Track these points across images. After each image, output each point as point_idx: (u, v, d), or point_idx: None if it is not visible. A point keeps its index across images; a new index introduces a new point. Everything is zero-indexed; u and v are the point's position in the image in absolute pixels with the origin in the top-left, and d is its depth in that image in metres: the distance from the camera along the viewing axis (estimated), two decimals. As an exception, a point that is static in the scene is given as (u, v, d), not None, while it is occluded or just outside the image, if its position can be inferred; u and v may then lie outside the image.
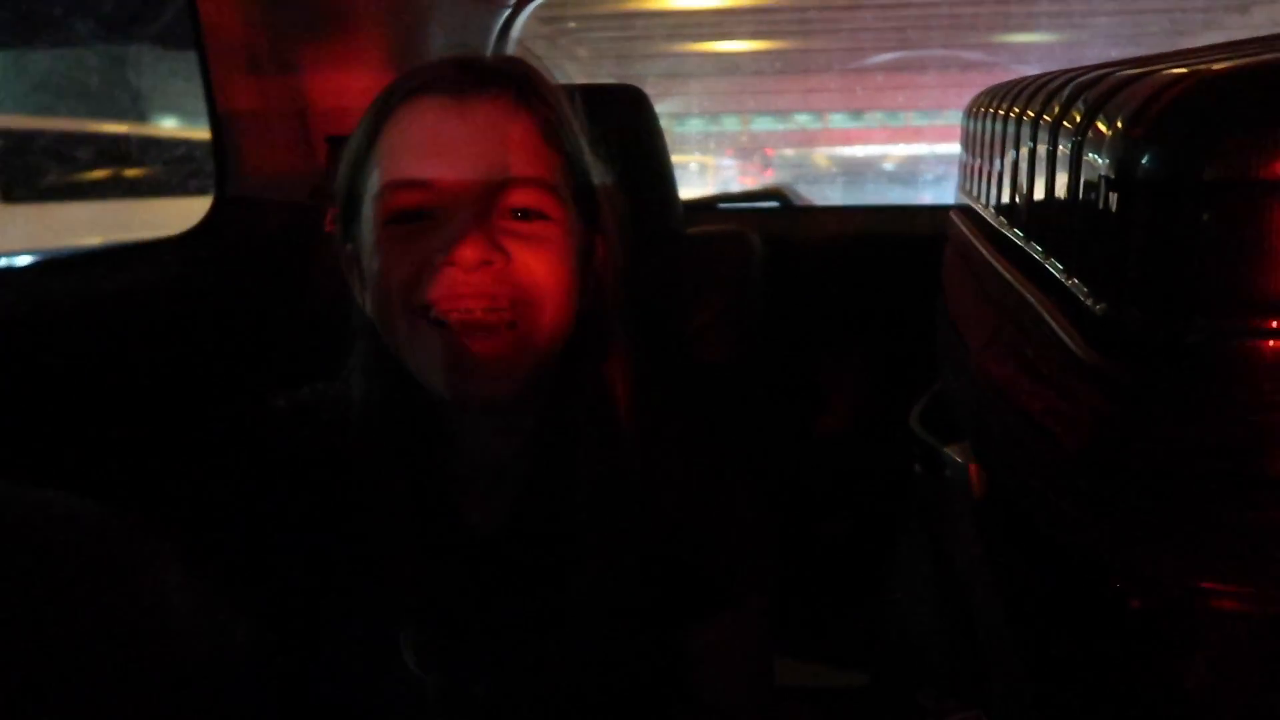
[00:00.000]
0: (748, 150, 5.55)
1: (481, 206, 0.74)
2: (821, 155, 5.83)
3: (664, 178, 1.23)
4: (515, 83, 0.78)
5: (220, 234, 1.38)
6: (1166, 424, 0.52)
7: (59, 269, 1.19)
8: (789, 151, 5.99)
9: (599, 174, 0.84)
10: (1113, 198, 0.55)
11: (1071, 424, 0.59)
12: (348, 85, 1.37)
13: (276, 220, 1.40)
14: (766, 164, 5.44)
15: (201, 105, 1.40)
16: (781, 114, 5.80)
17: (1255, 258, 0.48)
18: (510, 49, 1.63)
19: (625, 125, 1.18)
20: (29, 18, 1.08)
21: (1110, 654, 0.56)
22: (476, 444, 0.84)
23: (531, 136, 0.77)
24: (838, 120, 5.71)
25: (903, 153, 5.58)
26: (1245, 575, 0.50)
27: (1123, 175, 0.54)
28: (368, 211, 0.77)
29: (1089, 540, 0.57)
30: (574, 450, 0.82)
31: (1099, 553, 0.57)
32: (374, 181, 0.77)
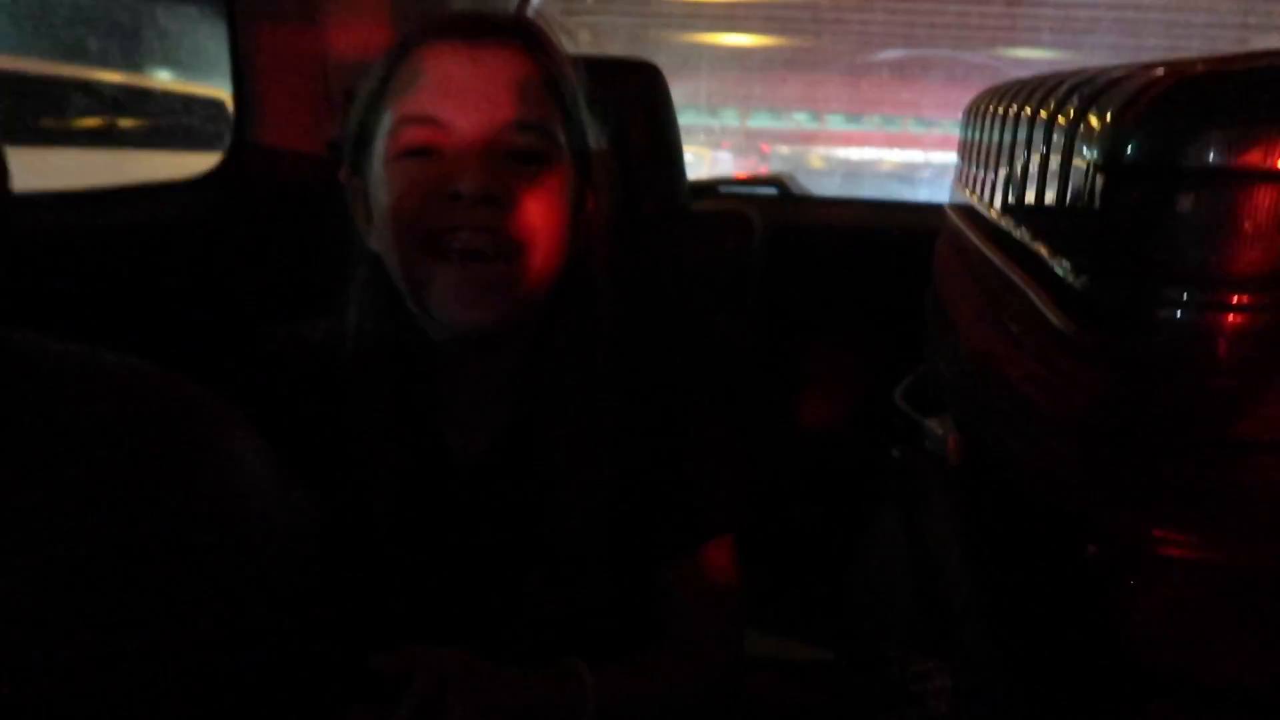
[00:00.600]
0: (744, 145, 5.59)
1: (487, 145, 0.79)
2: (816, 155, 5.87)
3: (673, 154, 1.27)
4: (524, 35, 0.83)
5: (235, 177, 1.41)
6: (1134, 387, 0.57)
7: (78, 201, 1.21)
8: (784, 149, 6.02)
9: (594, 134, 0.89)
10: (1099, 181, 0.60)
11: (1047, 388, 0.64)
12: (369, 40, 1.41)
13: (290, 167, 1.43)
14: (762, 160, 5.48)
15: (204, 61, 1.43)
16: (780, 111, 5.84)
17: (1226, 238, 0.53)
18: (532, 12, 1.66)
19: (640, 100, 1.22)
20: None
21: (1068, 597, 0.62)
22: (463, 375, 0.88)
23: (536, 85, 0.82)
24: (835, 122, 5.76)
25: (898, 159, 5.63)
26: (1195, 526, 0.55)
27: (1109, 161, 0.59)
28: (379, 147, 0.82)
29: (1058, 494, 0.62)
30: (555, 386, 0.87)
31: (1066, 505, 0.62)
32: (386, 119, 0.82)
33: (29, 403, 0.42)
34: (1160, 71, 0.61)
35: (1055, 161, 0.71)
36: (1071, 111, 0.70)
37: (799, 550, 1.62)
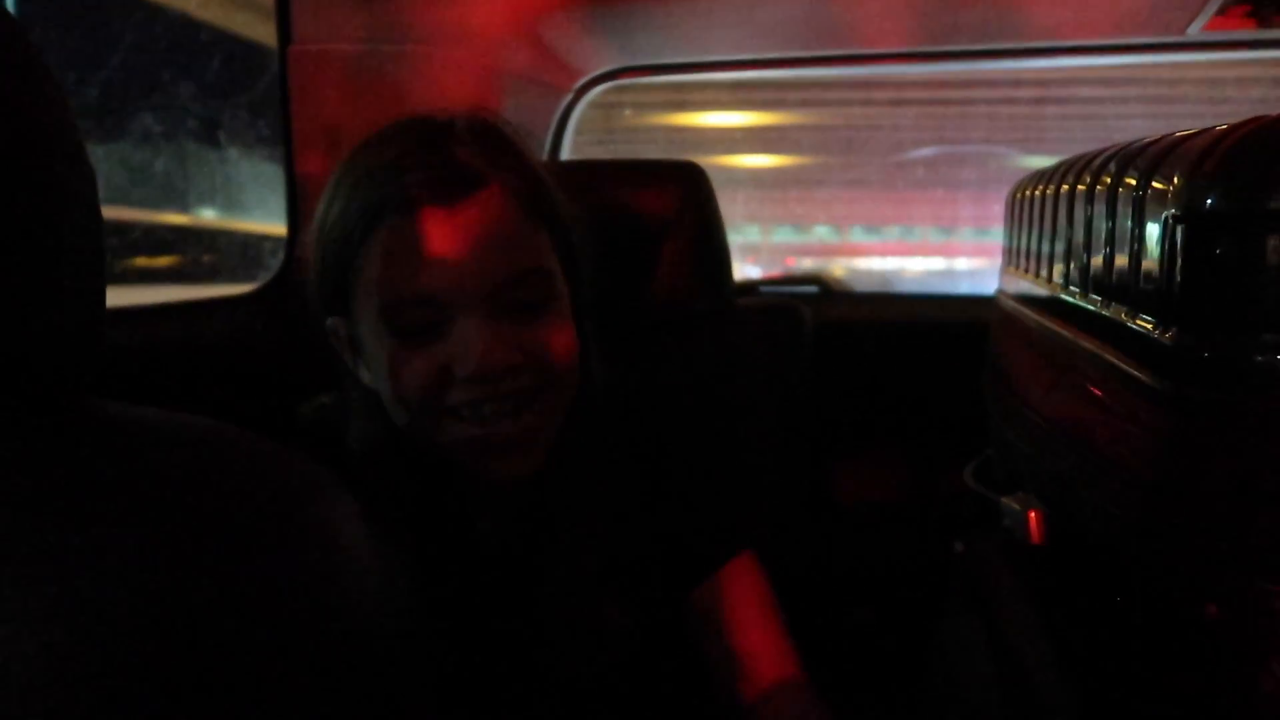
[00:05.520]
0: (769, 260, 5.70)
1: (490, 309, 0.75)
2: (839, 266, 5.97)
3: (719, 252, 1.29)
4: (496, 167, 0.77)
5: (288, 290, 1.44)
6: (1239, 439, 0.55)
7: (132, 318, 1.24)
8: (808, 261, 6.14)
9: (566, 210, 0.84)
10: (1180, 235, 0.60)
11: (1143, 449, 0.62)
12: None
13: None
14: (788, 273, 5.59)
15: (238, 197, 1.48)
16: (802, 226, 5.97)
17: (1321, 279, 0.52)
18: (569, 131, 1.72)
19: (686, 200, 1.24)
20: (142, 79, 1.17)
21: (1186, 667, 0.59)
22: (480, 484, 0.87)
23: (523, 224, 0.78)
24: (856, 234, 5.87)
25: (920, 267, 5.71)
26: (1320, 579, 0.53)
27: (1190, 212, 0.59)
28: (368, 315, 0.77)
29: (1165, 556, 0.60)
30: (570, 474, 0.87)
31: (1173, 569, 0.59)
32: (370, 290, 0.76)
33: (131, 465, 0.42)
34: (1227, 126, 0.61)
35: (1124, 227, 0.71)
36: (1132, 180, 0.71)
37: (860, 660, 1.56)
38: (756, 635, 0.88)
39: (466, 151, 0.77)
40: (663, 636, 0.90)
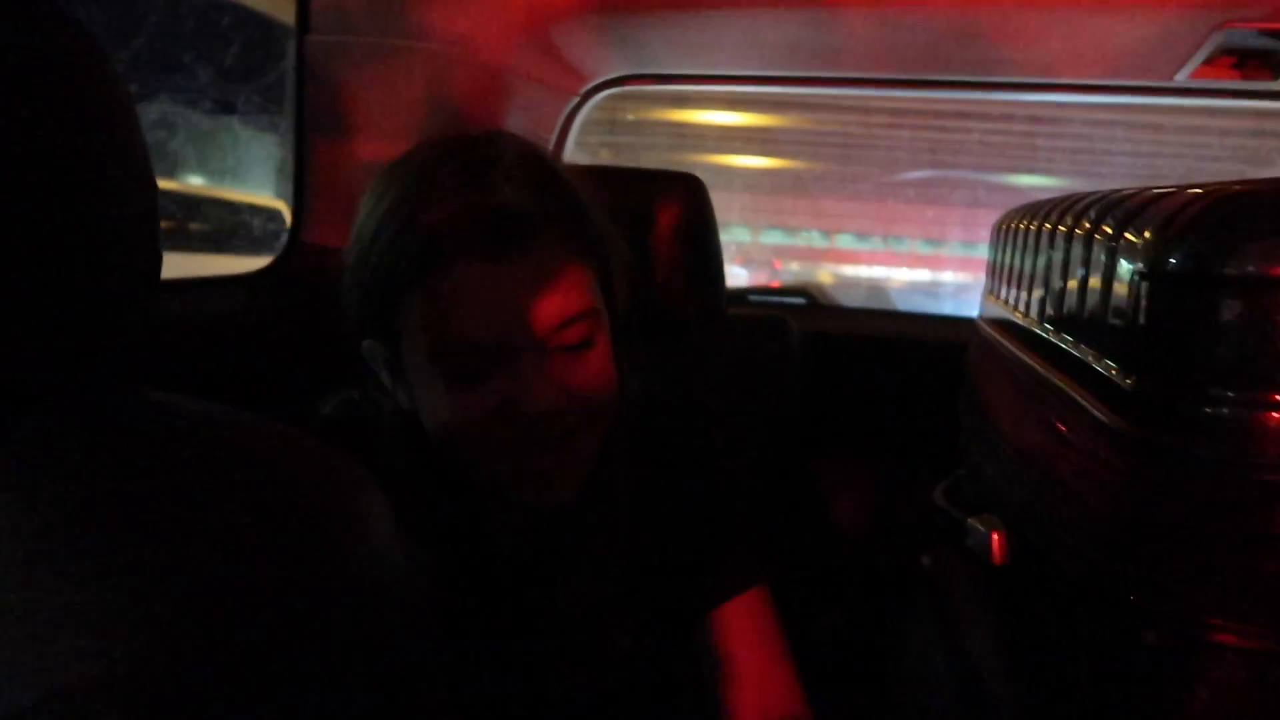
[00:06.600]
0: (756, 261, 5.74)
1: (540, 353, 0.76)
2: (825, 272, 6.02)
3: (714, 261, 1.33)
4: (546, 211, 0.76)
5: (289, 274, 1.47)
6: (1185, 482, 0.60)
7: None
8: (795, 265, 6.18)
9: (605, 228, 0.84)
10: (1145, 289, 0.65)
11: (1099, 484, 0.67)
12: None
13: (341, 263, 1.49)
14: (773, 275, 5.63)
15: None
16: (790, 229, 6.01)
17: (1266, 341, 0.57)
18: (573, 134, 1.76)
19: (684, 210, 1.28)
20: (165, 60, 1.20)
21: (1124, 686, 0.64)
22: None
23: (572, 270, 0.77)
24: (844, 240, 5.92)
25: (904, 278, 5.78)
26: (1249, 614, 0.58)
27: (1155, 270, 0.64)
28: (413, 351, 0.78)
29: (1111, 584, 0.65)
30: (599, 496, 0.89)
31: (1117, 597, 0.64)
32: (416, 330, 0.76)
33: (183, 460, 0.45)
34: (1199, 189, 0.66)
35: (1097, 274, 0.76)
36: (1109, 229, 0.76)
37: (825, 665, 1.61)
38: (762, 668, 0.90)
39: (515, 191, 0.75)
40: (668, 661, 0.92)
